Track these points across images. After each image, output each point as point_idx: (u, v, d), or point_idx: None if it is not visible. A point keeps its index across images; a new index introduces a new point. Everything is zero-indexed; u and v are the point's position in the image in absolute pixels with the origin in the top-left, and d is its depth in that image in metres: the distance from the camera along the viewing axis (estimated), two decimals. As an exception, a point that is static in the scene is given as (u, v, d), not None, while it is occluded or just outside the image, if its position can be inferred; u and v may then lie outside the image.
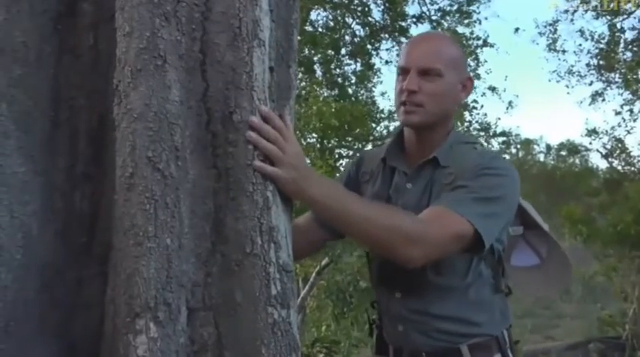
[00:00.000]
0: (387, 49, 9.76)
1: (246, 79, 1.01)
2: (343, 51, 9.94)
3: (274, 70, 1.09)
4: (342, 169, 7.31)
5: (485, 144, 8.27)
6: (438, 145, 1.30)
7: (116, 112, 0.95)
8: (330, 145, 5.17)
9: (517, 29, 10.01)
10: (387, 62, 9.86)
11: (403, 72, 1.29)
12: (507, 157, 15.55)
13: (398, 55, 9.55)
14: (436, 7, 9.36)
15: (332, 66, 9.75)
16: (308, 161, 4.86)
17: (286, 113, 1.09)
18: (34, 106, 1.01)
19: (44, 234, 1.01)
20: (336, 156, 5.66)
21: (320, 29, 9.88)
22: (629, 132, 8.96)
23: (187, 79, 1.00)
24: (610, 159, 9.28)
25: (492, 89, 8.76)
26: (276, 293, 0.99)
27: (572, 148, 14.19)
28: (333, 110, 5.12)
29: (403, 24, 9.34)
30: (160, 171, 0.92)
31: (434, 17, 9.41)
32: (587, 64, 9.14)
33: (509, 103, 9.40)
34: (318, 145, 5.12)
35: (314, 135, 4.97)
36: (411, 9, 9.46)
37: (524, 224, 1.40)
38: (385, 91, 10.97)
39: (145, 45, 0.93)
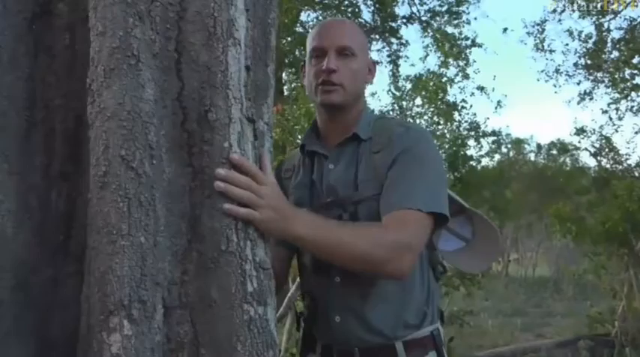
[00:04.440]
0: (377, 50, 9.80)
1: (222, 78, 1.02)
2: (333, 52, 9.93)
3: (251, 69, 1.10)
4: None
5: (475, 143, 8.30)
6: (353, 124, 1.34)
7: (89, 111, 0.96)
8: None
9: (505, 29, 10.11)
10: (377, 63, 9.86)
11: (319, 53, 1.32)
12: (498, 156, 15.60)
13: (389, 55, 9.59)
14: (426, 7, 9.41)
15: (322, 67, 9.74)
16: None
17: (266, 155, 1.09)
18: (9, 106, 1.02)
19: (19, 233, 1.01)
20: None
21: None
22: (616, 130, 9.05)
23: (162, 78, 1.00)
24: (599, 157, 9.35)
25: (481, 89, 8.82)
26: (252, 290, 0.99)
27: (562, 147, 14.27)
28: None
29: (393, 25, 9.39)
30: (134, 169, 0.92)
31: (423, 18, 9.46)
32: (575, 64, 9.22)
33: (498, 102, 9.46)
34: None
35: (302, 135, 4.97)
36: (401, 10, 9.49)
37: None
38: (375, 92, 11.01)
39: (118, 44, 0.94)
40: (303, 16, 9.83)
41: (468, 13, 9.16)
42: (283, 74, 9.46)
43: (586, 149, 9.72)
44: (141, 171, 0.93)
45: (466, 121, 7.81)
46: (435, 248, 1.38)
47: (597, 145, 9.22)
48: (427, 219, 1.21)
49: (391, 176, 1.24)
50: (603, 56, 8.89)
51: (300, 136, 5.03)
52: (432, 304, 1.33)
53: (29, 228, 1.02)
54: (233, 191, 1.00)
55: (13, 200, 1.00)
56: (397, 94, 7.82)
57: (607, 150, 8.96)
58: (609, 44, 8.93)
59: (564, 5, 8.85)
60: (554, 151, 16.54)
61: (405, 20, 9.43)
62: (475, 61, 9.07)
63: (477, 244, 1.45)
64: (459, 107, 7.50)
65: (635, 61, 8.66)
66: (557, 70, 9.42)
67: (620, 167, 8.66)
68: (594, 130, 9.29)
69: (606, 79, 9.02)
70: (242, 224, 1.01)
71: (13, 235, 1.00)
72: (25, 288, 1.01)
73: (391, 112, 8.18)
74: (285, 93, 8.97)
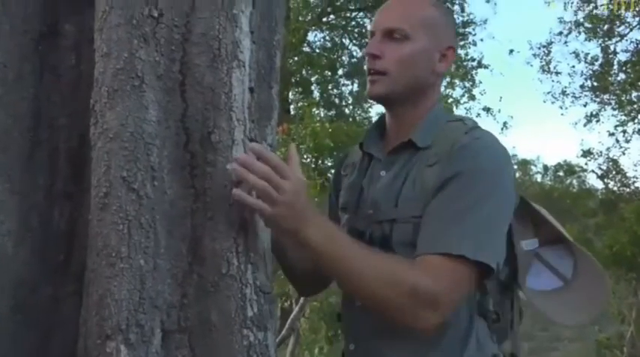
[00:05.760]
0: (383, 70, 9.86)
1: (225, 99, 1.02)
2: (340, 72, 10.04)
3: (255, 91, 1.10)
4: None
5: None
6: (412, 126, 1.12)
7: (92, 132, 0.96)
8: (324, 165, 5.19)
9: (511, 51, 10.16)
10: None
11: (371, 38, 1.14)
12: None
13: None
14: (432, 29, 9.48)
15: (329, 86, 9.85)
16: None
17: (292, 150, 1.01)
18: (13, 125, 1.02)
19: (20, 253, 1.00)
20: (330, 176, 5.68)
21: (317, 50, 9.99)
22: (623, 153, 9.01)
23: (166, 99, 1.00)
24: (606, 180, 9.31)
25: (487, 110, 8.84)
26: (252, 315, 0.98)
27: (569, 169, 14.24)
28: (329, 130, 5.14)
29: (400, 45, 9.45)
30: (135, 191, 0.92)
31: (430, 39, 9.53)
32: (582, 86, 9.24)
33: (504, 123, 9.48)
34: (313, 165, 5.13)
35: (308, 155, 4.98)
36: (407, 31, 9.55)
37: (538, 237, 1.16)
38: (381, 111, 11.07)
39: (122, 66, 0.94)
40: (310, 36, 9.93)
41: (474, 35, 9.25)
42: (290, 93, 9.52)
43: (593, 171, 9.68)
44: (142, 192, 0.92)
45: (472, 142, 7.80)
46: (486, 292, 1.09)
47: (604, 168, 9.19)
48: (470, 269, 0.98)
49: (435, 205, 1.02)
50: (610, 78, 8.90)
51: (305, 156, 5.04)
52: (472, 350, 1.07)
53: (29, 247, 1.02)
54: (248, 177, 0.89)
55: (14, 220, 1.00)
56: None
57: (614, 172, 8.92)
58: (615, 66, 8.95)
59: (570, 28, 8.90)
60: (561, 173, 16.49)
61: (411, 41, 9.49)
62: (481, 82, 9.14)
63: (576, 287, 1.15)
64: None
65: (641, 83, 8.67)
66: (563, 92, 9.45)
67: (628, 190, 8.61)
68: (601, 152, 9.26)
69: (613, 102, 9.02)
70: (243, 247, 0.99)
71: (13, 255, 0.99)
72: (23, 308, 1.00)
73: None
74: (292, 112, 9.01)
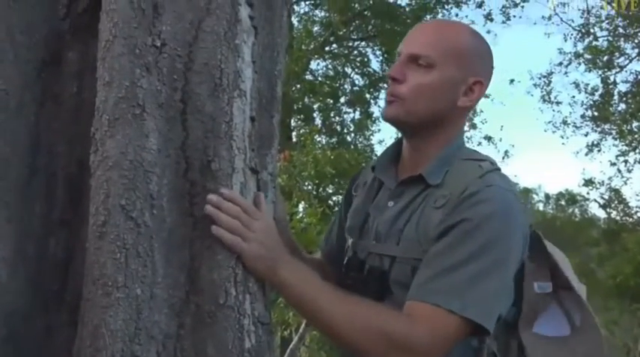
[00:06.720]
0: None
1: (226, 128, 1.02)
2: (342, 99, 10.14)
3: (255, 120, 1.10)
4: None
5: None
6: (425, 159, 1.08)
7: (92, 160, 0.95)
8: (325, 192, 5.19)
9: (512, 80, 10.24)
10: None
11: (398, 58, 1.11)
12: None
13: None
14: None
15: (331, 114, 9.93)
16: (302, 208, 4.84)
17: (261, 194, 1.04)
18: (12, 152, 1.02)
19: (14, 281, 0.99)
20: (331, 203, 5.67)
21: (320, 78, 10.11)
22: (625, 183, 9.00)
23: (167, 127, 1.00)
24: (608, 209, 9.27)
25: (488, 138, 8.87)
26: (249, 347, 0.96)
27: (571, 198, 14.22)
28: (331, 158, 5.16)
29: (401, 74, 9.54)
30: (134, 219, 0.91)
31: (431, 68, 9.63)
32: (582, 116, 9.29)
33: (506, 152, 9.52)
34: (314, 192, 5.12)
35: (309, 182, 4.99)
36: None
37: (555, 280, 1.11)
38: (383, 139, 11.10)
39: (123, 94, 0.94)
40: (312, 65, 10.05)
41: (475, 64, 9.32)
42: (292, 121, 9.58)
43: (595, 200, 9.66)
44: (140, 221, 0.92)
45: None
46: (484, 341, 1.04)
47: (606, 197, 9.16)
48: (458, 322, 0.95)
49: (434, 252, 0.99)
50: (610, 109, 8.96)
51: (306, 183, 5.04)
52: None
53: (24, 276, 1.00)
54: (220, 217, 0.95)
55: (9, 248, 0.99)
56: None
57: (616, 202, 8.89)
58: (616, 97, 9.02)
59: (570, 59, 9.01)
60: (563, 202, 16.46)
61: (413, 70, 9.59)
62: (482, 111, 9.19)
63: (576, 341, 1.09)
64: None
65: (642, 113, 8.72)
66: (564, 122, 9.51)
67: (631, 220, 8.57)
68: (603, 181, 9.26)
69: (614, 131, 9.05)
70: (242, 277, 0.98)
71: (7, 283, 0.98)
72: (16, 338, 0.98)
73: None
74: (294, 139, 9.06)
